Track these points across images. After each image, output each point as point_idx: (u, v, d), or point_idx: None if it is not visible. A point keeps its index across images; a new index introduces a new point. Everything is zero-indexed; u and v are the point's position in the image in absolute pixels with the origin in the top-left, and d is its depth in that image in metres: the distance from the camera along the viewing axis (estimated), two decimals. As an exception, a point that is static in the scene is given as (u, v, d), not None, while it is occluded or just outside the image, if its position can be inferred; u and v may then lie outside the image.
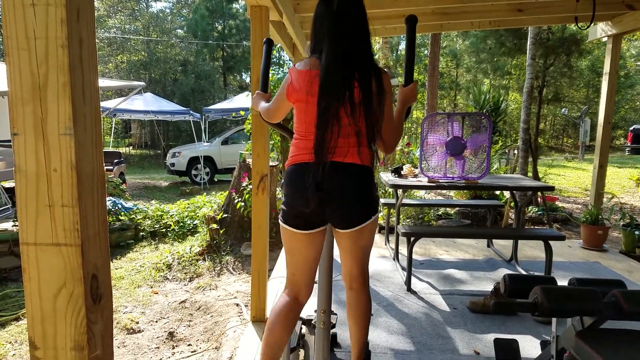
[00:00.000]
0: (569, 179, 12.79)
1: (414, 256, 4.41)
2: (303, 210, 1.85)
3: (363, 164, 1.84)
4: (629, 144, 19.38)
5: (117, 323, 3.67)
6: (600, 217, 4.98)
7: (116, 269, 5.06)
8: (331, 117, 1.77)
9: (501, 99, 10.46)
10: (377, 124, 1.86)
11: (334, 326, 2.79)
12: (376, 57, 12.38)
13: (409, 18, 1.94)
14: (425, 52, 21.47)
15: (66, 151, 0.81)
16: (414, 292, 3.69)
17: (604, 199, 5.44)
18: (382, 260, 4.54)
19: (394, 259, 4.54)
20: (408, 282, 3.75)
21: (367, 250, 1.99)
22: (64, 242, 0.84)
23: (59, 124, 0.80)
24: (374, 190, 1.91)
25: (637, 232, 4.80)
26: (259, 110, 2.21)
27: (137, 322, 3.74)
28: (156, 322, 3.77)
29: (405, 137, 10.98)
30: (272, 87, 6.84)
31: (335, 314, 2.95)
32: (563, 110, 19.00)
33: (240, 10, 25.97)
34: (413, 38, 1.97)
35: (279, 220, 1.96)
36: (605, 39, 5.24)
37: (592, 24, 4.81)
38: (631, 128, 20.01)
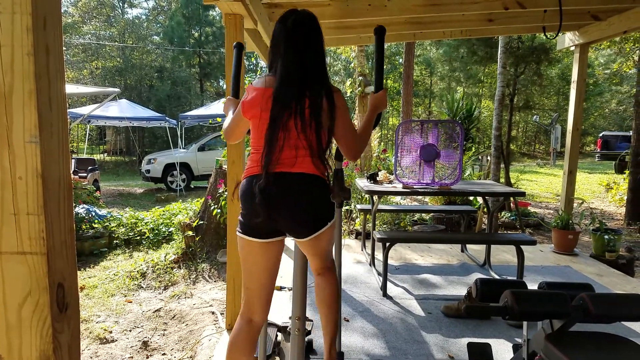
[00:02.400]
0: (541, 184, 13.08)
1: (390, 261, 4.44)
2: (255, 221, 1.87)
3: (312, 172, 1.86)
4: (598, 150, 19.92)
5: (90, 333, 3.60)
6: (570, 222, 5.11)
7: (89, 277, 4.97)
8: (279, 129, 1.81)
9: (474, 106, 10.67)
10: (328, 138, 1.91)
11: (309, 333, 2.79)
12: (352, 65, 12.49)
13: (377, 29, 2.03)
14: (400, 60, 21.73)
15: (32, 159, 0.80)
16: (390, 297, 3.72)
17: (575, 204, 5.58)
18: (358, 266, 4.56)
19: (370, 265, 4.57)
20: (384, 287, 3.78)
21: (329, 249, 2.03)
22: (30, 251, 0.83)
23: (24, 132, 0.80)
24: (326, 197, 1.93)
25: (606, 237, 4.93)
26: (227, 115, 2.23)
27: (111, 332, 3.67)
28: (130, 331, 3.71)
29: (382, 143, 11.09)
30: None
31: (311, 321, 2.95)
32: (534, 117, 19.46)
33: (217, 18, 25.89)
34: (382, 47, 2.06)
35: (237, 231, 1.97)
36: (573, 48, 5.39)
37: (560, 34, 4.95)
38: (600, 134, 20.60)
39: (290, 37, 1.89)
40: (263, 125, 1.85)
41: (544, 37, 5.16)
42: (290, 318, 2.24)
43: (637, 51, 10.89)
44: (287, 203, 1.83)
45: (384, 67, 2.11)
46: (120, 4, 29.08)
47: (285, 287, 3.99)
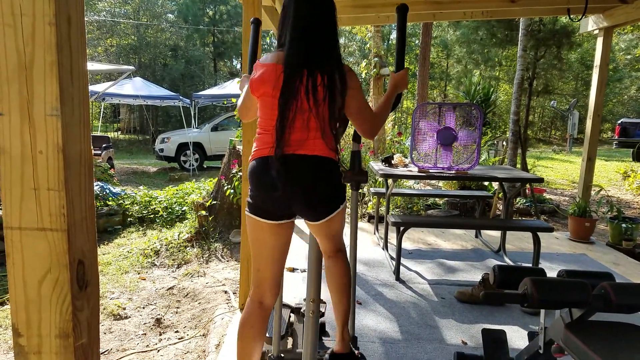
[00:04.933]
0: (557, 171, 12.91)
1: (403, 245, 4.42)
2: (266, 204, 1.84)
3: (325, 155, 1.82)
4: (616, 137, 19.57)
5: (104, 309, 3.64)
6: (587, 209, 5.03)
7: (103, 254, 5.02)
8: (292, 107, 1.75)
9: (491, 90, 10.49)
10: (340, 116, 1.86)
11: (322, 315, 2.79)
12: (367, 45, 12.33)
13: (400, 7, 1.95)
14: (417, 42, 21.41)
15: (53, 133, 0.78)
16: (403, 282, 3.71)
17: (592, 192, 5.49)
18: (371, 249, 4.55)
19: (383, 248, 4.55)
20: (397, 272, 3.77)
21: (340, 232, 1.99)
22: (50, 227, 0.82)
23: (45, 105, 0.78)
24: (338, 180, 1.89)
25: (624, 225, 4.86)
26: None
27: (124, 308, 3.71)
28: (143, 308, 3.75)
29: (396, 126, 10.98)
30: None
31: (325, 302, 2.95)
32: (552, 102, 19.13)
33: (232, -4, 25.68)
34: (404, 27, 1.98)
35: (246, 212, 1.93)
36: (596, 32, 5.25)
37: (584, 16, 4.81)
38: (619, 121, 20.18)
39: (301, 8, 1.81)
40: (274, 103, 1.77)
41: (566, 20, 5.02)
42: (304, 299, 2.23)
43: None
44: (300, 186, 1.79)
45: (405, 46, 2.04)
46: (135, -19, 28.93)
47: (297, 269, 3.99)
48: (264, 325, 1.94)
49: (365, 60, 10.66)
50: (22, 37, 0.76)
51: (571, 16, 4.64)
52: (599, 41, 5.17)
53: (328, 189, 1.85)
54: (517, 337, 2.80)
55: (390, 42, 26.65)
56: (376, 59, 10.19)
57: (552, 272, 1.95)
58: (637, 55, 18.09)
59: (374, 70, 10.13)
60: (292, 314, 2.57)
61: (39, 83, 0.77)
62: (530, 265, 3.89)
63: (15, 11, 0.75)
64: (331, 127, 1.83)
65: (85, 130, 0.85)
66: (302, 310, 2.45)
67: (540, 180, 4.06)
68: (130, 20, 24.93)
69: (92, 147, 0.86)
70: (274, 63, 1.80)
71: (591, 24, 5.24)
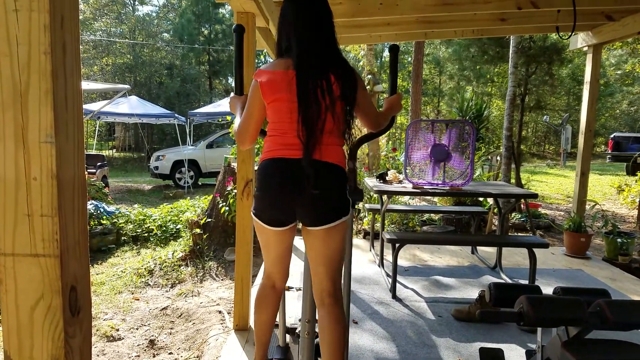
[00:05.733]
0: (551, 185, 12.97)
1: (399, 262, 4.41)
2: (275, 207, 1.87)
3: (338, 163, 1.87)
4: (609, 152, 19.73)
5: (97, 330, 3.60)
6: (582, 224, 5.04)
7: (97, 274, 4.98)
8: (314, 114, 1.78)
9: (484, 106, 10.59)
10: (352, 114, 1.93)
11: (318, 335, 2.77)
12: (361, 63, 12.45)
13: (392, 47, 2.10)
14: (409, 59, 21.63)
15: (47, 159, 0.79)
16: (399, 299, 3.69)
17: (587, 207, 5.51)
18: (366, 266, 4.53)
19: (378, 265, 4.54)
20: (393, 289, 3.75)
21: (338, 257, 1.93)
22: (43, 253, 0.82)
23: (40, 132, 0.78)
24: (345, 190, 1.92)
25: (619, 240, 4.87)
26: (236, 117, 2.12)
27: (117, 330, 3.67)
28: (137, 329, 3.71)
29: (390, 142, 11.04)
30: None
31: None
32: (545, 117, 19.29)
33: (227, 15, 25.91)
34: (396, 64, 2.12)
35: (251, 212, 1.95)
36: (585, 49, 5.33)
37: (573, 34, 4.89)
38: (612, 135, 20.40)
39: (303, 14, 1.86)
40: (291, 108, 1.79)
41: (556, 37, 5.10)
42: (299, 320, 2.21)
43: (651, 52, 10.76)
44: (313, 192, 1.80)
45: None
46: (131, 1, 29.20)
47: (293, 287, 3.97)
48: (277, 298, 2.08)
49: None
50: (18, 66, 0.76)
51: (560, 34, 4.72)
52: (589, 58, 5.25)
53: (337, 196, 1.88)
54: (515, 356, 2.78)
55: (383, 59, 26.93)
56: (369, 76, 10.29)
57: (549, 288, 1.95)
58: (627, 70, 18.34)
59: (368, 87, 10.22)
60: (287, 335, 2.54)
61: (34, 110, 0.77)
62: (526, 281, 3.88)
63: (12, 40, 0.76)
64: (346, 126, 1.91)
65: (79, 156, 0.86)
66: (297, 331, 2.43)
67: (534, 195, 4.08)
68: (126, 40, 25.11)
69: (85, 170, 0.86)
70: (283, 70, 1.82)
71: (580, 41, 5.33)
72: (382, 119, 2.06)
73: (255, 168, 4.83)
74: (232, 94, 2.21)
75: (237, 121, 2.01)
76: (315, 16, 1.87)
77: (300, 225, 1.99)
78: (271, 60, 2.04)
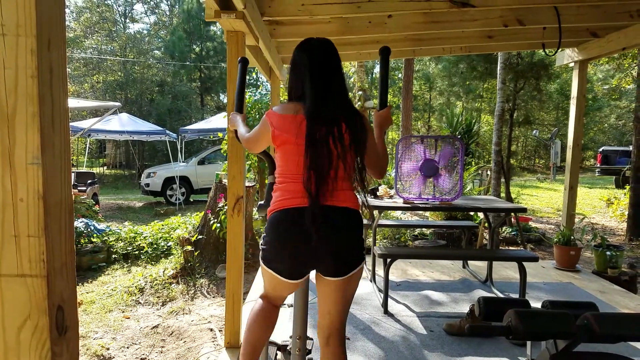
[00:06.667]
0: (542, 199, 13.06)
1: (391, 277, 4.41)
2: (288, 262, 1.83)
3: (355, 208, 1.86)
4: (598, 165, 19.93)
5: (87, 349, 3.56)
6: (572, 238, 5.08)
7: (87, 292, 4.93)
8: (322, 154, 1.77)
9: (473, 121, 10.72)
10: (363, 163, 1.92)
11: (309, 352, 2.75)
12: (352, 80, 12.56)
13: (382, 49, 2.03)
14: (400, 75, 21.87)
15: (33, 181, 0.80)
16: (391, 315, 3.69)
17: (576, 220, 5.56)
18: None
19: (370, 281, 4.54)
20: (385, 305, 3.75)
21: (351, 299, 1.96)
22: (30, 273, 0.82)
23: (26, 154, 0.79)
24: (362, 235, 1.91)
25: (608, 253, 4.91)
26: (236, 129, 2.22)
27: (108, 349, 3.63)
28: (127, 348, 3.67)
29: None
30: (248, 109, 6.85)
31: (311, 339, 2.92)
32: (534, 132, 19.49)
33: (218, 33, 26.07)
34: (386, 67, 2.07)
35: (260, 259, 1.91)
36: (572, 65, 5.42)
37: (559, 50, 4.98)
38: (600, 149, 20.62)
39: (316, 63, 1.88)
40: (299, 151, 1.79)
41: (543, 54, 5.19)
42: (290, 337, 2.21)
43: (636, 67, 10.95)
44: (334, 241, 1.78)
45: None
46: (122, 19, 29.36)
47: (284, 304, 3.95)
48: (274, 318, 2.02)
49: (350, 93, 10.84)
50: (5, 90, 0.78)
51: (546, 50, 4.81)
52: (575, 73, 5.34)
53: (356, 243, 1.86)
54: (505, 369, 2.79)
55: (373, 75, 27.18)
56: (360, 92, 10.38)
57: (539, 302, 1.96)
58: (614, 85, 18.63)
59: (359, 103, 10.31)
60: (278, 352, 2.53)
61: (20, 133, 0.78)
62: (517, 295, 3.89)
63: (-1, 64, 0.77)
64: (358, 173, 1.90)
65: (66, 177, 0.87)
66: (288, 348, 2.42)
67: (523, 209, 4.11)
68: (117, 57, 25.17)
69: (72, 184, 0.87)
70: (292, 114, 1.85)
71: (566, 57, 5.42)
72: (385, 162, 2.03)
73: (247, 184, 4.84)
74: (232, 112, 2.34)
75: (242, 130, 2.14)
76: (327, 66, 1.89)
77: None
78: (278, 103, 2.08)
